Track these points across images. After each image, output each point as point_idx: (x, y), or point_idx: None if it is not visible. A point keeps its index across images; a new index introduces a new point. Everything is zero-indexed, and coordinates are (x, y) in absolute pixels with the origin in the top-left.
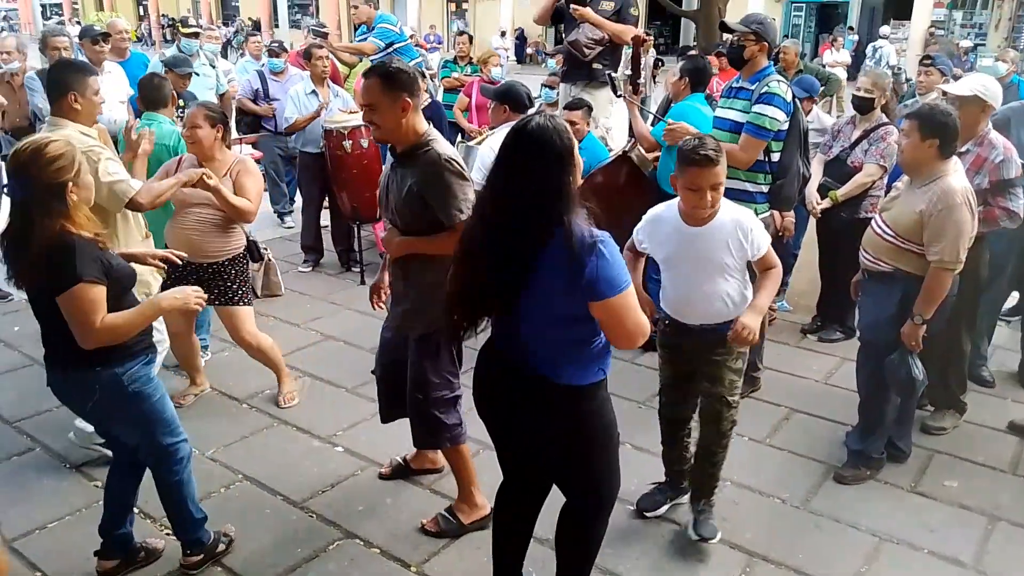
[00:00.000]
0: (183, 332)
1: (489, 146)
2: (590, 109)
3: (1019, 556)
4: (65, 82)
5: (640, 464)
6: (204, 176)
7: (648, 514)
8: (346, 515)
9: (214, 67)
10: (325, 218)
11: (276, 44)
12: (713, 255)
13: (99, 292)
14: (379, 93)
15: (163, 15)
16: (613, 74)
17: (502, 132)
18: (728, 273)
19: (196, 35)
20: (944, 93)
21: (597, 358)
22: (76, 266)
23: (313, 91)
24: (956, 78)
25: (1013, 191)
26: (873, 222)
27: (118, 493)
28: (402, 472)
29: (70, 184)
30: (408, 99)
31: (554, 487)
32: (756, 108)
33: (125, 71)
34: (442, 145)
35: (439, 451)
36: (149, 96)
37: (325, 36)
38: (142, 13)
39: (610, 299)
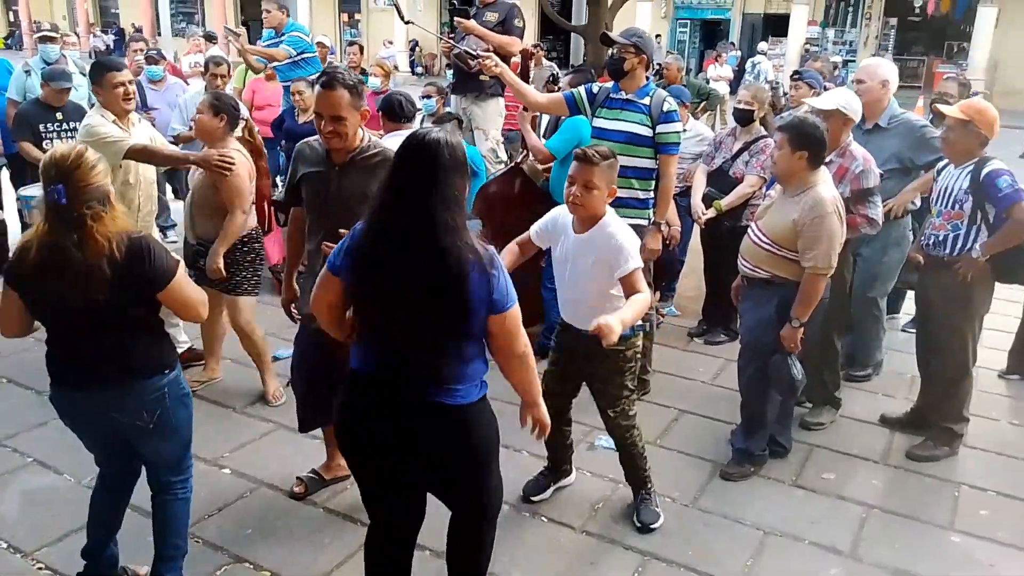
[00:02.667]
0: (215, 315)
1: None
2: (460, 122)
3: (890, 542)
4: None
5: (529, 464)
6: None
7: (534, 498)
8: (234, 538)
9: (84, 75)
10: None
11: (155, 52)
12: (587, 265)
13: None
14: (347, 106)
15: (35, 21)
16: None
17: (392, 141)
18: (599, 286)
19: (52, 39)
20: (808, 107)
21: (479, 373)
22: (163, 258)
23: None
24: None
25: (872, 199)
26: (750, 231)
27: (109, 512)
28: (316, 484)
29: (111, 191)
30: (366, 109)
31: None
32: (664, 128)
33: None
34: (387, 144)
35: None
36: None
37: (238, 36)
38: (12, 19)
39: (509, 311)
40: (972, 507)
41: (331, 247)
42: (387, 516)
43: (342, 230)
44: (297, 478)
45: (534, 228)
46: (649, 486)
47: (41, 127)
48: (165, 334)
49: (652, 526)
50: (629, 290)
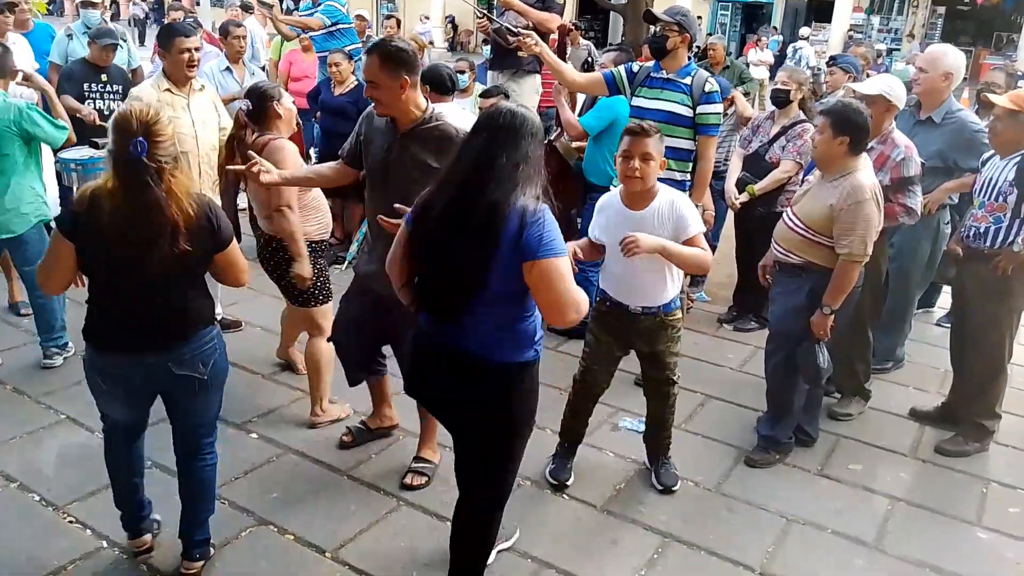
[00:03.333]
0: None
1: None
2: (507, 96)
3: (915, 535)
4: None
5: (553, 443)
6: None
7: (568, 482)
8: (260, 502)
9: (124, 41)
10: (243, 201)
11: (192, 20)
12: (656, 234)
13: None
14: (378, 71)
15: None
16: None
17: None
18: (661, 261)
19: (94, 4)
20: (853, 91)
21: (530, 338)
22: (226, 220)
23: (227, 68)
24: None
25: (912, 188)
26: (785, 215)
27: (139, 459)
28: (364, 435)
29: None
30: (407, 77)
31: None
32: (704, 108)
33: (32, 43)
34: (452, 118)
35: (392, 407)
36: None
37: (270, 7)
38: None
39: (543, 260)
40: (1001, 504)
41: (387, 221)
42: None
43: (397, 205)
44: (346, 428)
45: (591, 230)
46: (669, 455)
47: (85, 86)
48: (207, 288)
49: (674, 488)
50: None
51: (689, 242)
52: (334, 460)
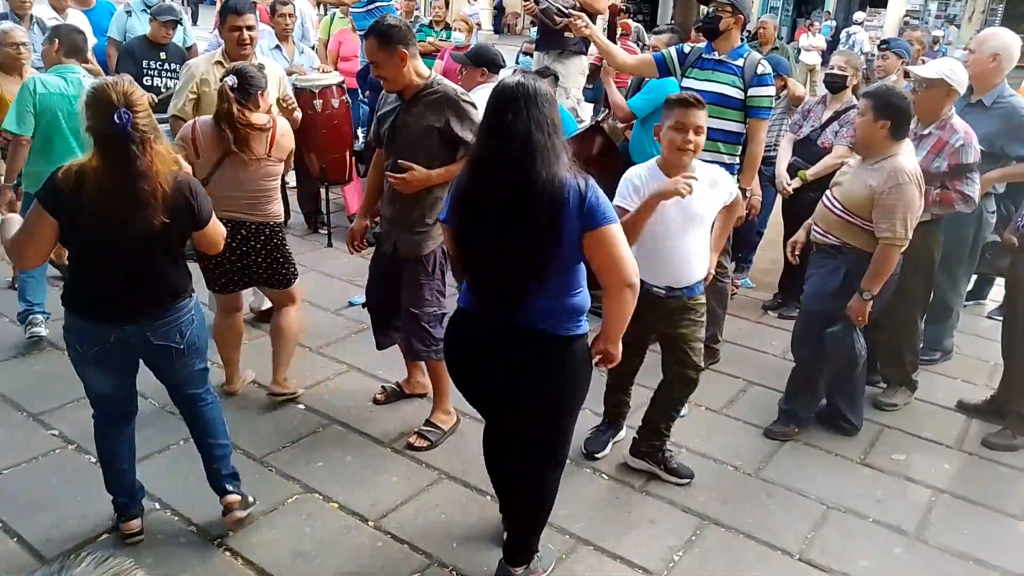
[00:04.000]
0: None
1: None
2: (557, 78)
3: (959, 526)
4: None
5: (592, 421)
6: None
7: (597, 455)
8: (305, 470)
9: (181, 21)
10: (291, 179)
11: None
12: (692, 207)
13: None
14: (377, 50)
15: None
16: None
17: (482, 92)
18: (702, 227)
19: None
20: (907, 75)
21: (580, 310)
22: (205, 195)
23: (277, 47)
24: None
25: (970, 176)
26: (825, 196)
27: (130, 445)
28: (396, 395)
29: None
30: (404, 50)
31: None
32: (756, 91)
33: (91, 21)
34: (448, 83)
35: (425, 375)
36: (72, 45)
37: None
38: None
39: (604, 227)
40: None
41: (394, 176)
42: (495, 424)
43: (402, 161)
44: (382, 386)
45: (620, 199)
46: (658, 443)
47: (144, 63)
48: (184, 260)
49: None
50: (729, 213)
51: (730, 205)
52: (378, 432)
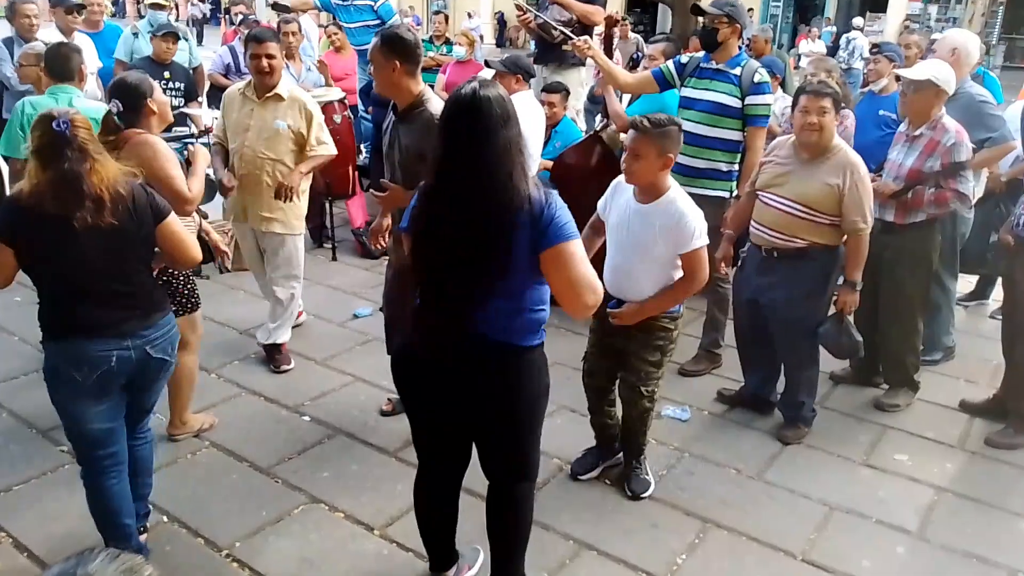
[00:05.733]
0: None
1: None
2: (567, 93)
3: (961, 526)
4: None
5: (579, 427)
6: None
7: (581, 477)
8: (312, 481)
9: (186, 39)
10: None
11: (252, 18)
12: (646, 237)
13: None
14: (376, 51)
15: None
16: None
17: (515, 100)
18: (654, 259)
19: (162, 6)
20: (898, 78)
21: (538, 324)
22: (158, 195)
23: (284, 65)
24: None
25: (964, 174)
26: (771, 201)
27: (126, 496)
28: (402, 406)
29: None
30: (398, 63)
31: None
32: (753, 99)
33: (99, 44)
34: (434, 104)
35: None
36: (54, 67)
37: (287, 10)
38: None
39: (562, 244)
40: None
41: (376, 194)
42: (434, 460)
43: (383, 180)
44: (388, 397)
45: (600, 203)
46: (642, 457)
47: None
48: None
49: (643, 495)
50: (688, 267)
51: (686, 256)
52: (383, 442)
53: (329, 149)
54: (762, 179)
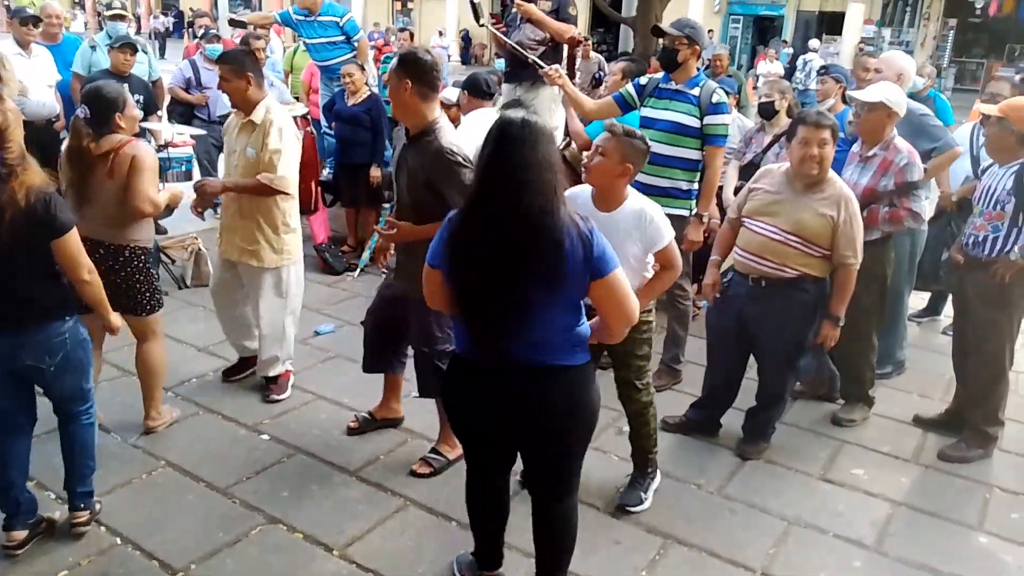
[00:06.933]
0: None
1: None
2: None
3: (917, 538)
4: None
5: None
6: None
7: (633, 508)
8: (270, 501)
9: (145, 52)
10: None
11: (214, 32)
12: (615, 242)
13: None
14: (392, 72)
15: (99, 2)
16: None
17: (474, 115)
18: (627, 263)
19: (122, 17)
20: (844, 99)
21: (582, 340)
22: (64, 211)
23: None
24: None
25: (916, 193)
26: (758, 229)
27: (17, 457)
28: (369, 424)
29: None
30: (410, 83)
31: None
32: (712, 119)
33: (57, 56)
34: (445, 134)
35: (400, 403)
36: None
37: (243, 25)
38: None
39: (612, 273)
40: (1003, 510)
41: (381, 231)
42: (482, 471)
43: (389, 218)
44: (354, 415)
45: None
46: (649, 470)
47: None
48: (64, 282)
49: (631, 509)
50: (665, 260)
51: (660, 252)
52: (343, 461)
53: (272, 178)
54: (751, 206)
